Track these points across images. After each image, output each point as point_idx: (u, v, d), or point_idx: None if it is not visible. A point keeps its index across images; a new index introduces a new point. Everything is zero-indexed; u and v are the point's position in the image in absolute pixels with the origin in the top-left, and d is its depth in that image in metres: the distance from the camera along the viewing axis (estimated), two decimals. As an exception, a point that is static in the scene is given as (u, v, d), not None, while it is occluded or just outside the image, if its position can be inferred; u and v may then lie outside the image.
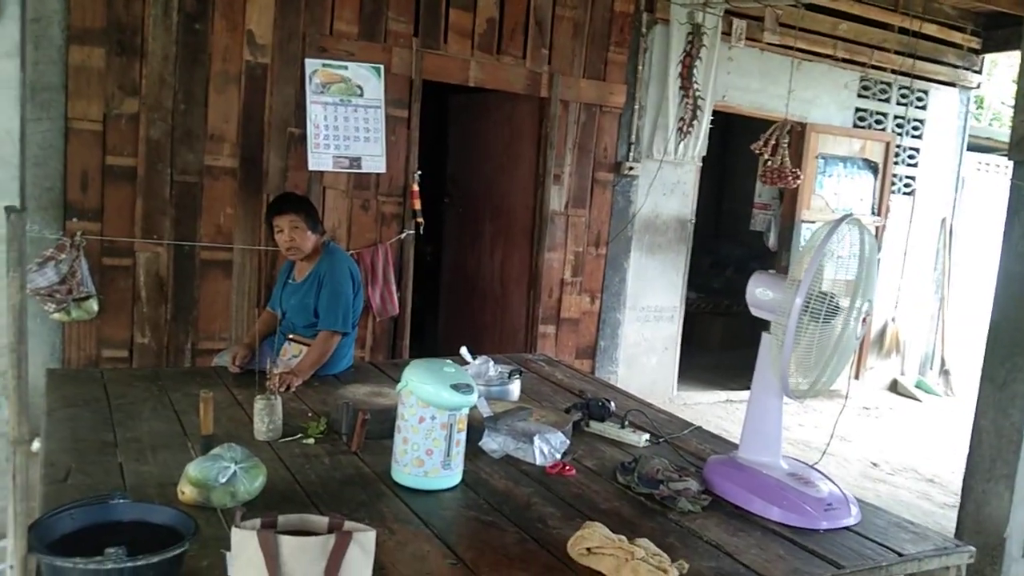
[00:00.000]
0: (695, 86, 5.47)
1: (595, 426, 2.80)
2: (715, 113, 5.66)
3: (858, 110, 6.39)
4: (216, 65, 4.16)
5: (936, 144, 6.86)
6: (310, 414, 2.67)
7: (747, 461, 2.33)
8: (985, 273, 6.27)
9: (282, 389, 2.81)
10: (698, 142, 5.61)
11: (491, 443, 2.48)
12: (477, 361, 3.13)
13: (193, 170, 4.18)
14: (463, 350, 3.20)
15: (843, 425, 5.78)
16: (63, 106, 3.86)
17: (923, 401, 6.90)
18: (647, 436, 2.73)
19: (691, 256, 5.93)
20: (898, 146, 6.62)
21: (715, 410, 5.96)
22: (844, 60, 6.11)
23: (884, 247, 6.61)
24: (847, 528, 2.13)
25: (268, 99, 4.30)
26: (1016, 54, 3.65)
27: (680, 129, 5.52)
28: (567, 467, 2.40)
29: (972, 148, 7.41)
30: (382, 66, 4.51)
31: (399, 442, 2.18)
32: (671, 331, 5.91)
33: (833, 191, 6.41)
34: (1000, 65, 11.46)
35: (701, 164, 5.77)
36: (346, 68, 4.42)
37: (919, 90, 6.60)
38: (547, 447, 2.45)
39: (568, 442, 2.56)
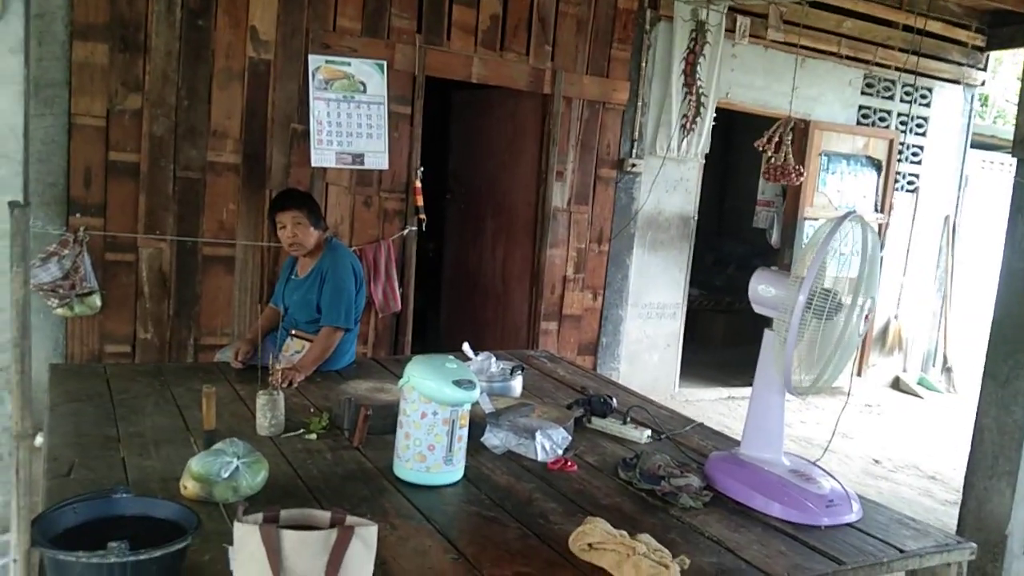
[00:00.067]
0: (699, 83, 5.46)
1: (597, 422, 2.80)
2: (718, 110, 5.65)
3: (862, 107, 6.38)
4: (219, 61, 4.16)
5: (940, 142, 6.84)
6: (312, 409, 2.68)
7: (749, 457, 2.33)
8: (988, 271, 6.27)
9: (284, 385, 2.81)
10: (701, 139, 5.60)
11: (493, 439, 2.48)
12: (479, 357, 3.13)
13: (196, 166, 4.18)
14: (465, 346, 3.20)
15: (845, 422, 5.78)
16: (66, 102, 3.87)
17: (925, 398, 6.90)
18: (649, 432, 2.73)
19: (693, 253, 5.93)
20: (902, 143, 6.61)
21: (717, 407, 5.96)
22: (848, 57, 6.10)
23: (887, 244, 6.60)
24: (848, 524, 2.13)
25: (271, 95, 4.30)
26: (1021, 52, 3.64)
27: (683, 126, 5.52)
28: (569, 463, 2.40)
29: (976, 146, 7.39)
30: (385, 62, 4.51)
31: (401, 437, 2.18)
32: (673, 328, 5.91)
33: (836, 188, 6.40)
34: (1005, 63, 11.43)
35: (704, 161, 5.76)
36: (349, 64, 4.42)
37: (923, 87, 6.59)
38: (549, 443, 2.45)
39: (570, 438, 2.56)
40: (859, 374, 6.77)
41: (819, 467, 2.33)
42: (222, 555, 1.53)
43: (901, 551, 2.01)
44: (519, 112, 5.38)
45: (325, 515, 1.54)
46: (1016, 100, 3.31)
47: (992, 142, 8.01)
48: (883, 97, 6.45)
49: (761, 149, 5.84)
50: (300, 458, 2.28)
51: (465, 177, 6.10)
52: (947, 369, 7.27)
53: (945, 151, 6.90)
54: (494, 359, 3.13)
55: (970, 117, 7.03)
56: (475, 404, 2.29)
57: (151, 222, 4.12)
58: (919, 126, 6.70)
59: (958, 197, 7.13)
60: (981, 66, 6.78)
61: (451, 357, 2.29)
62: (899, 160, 6.61)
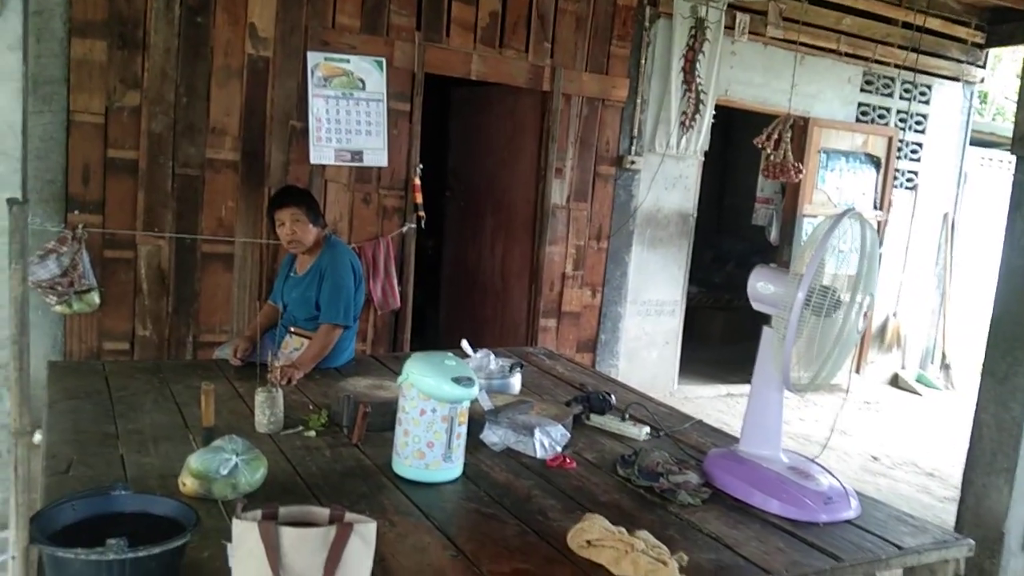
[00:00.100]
0: (698, 80, 5.46)
1: (596, 419, 2.80)
2: (718, 107, 5.65)
3: (861, 104, 6.37)
4: (218, 58, 4.16)
5: (939, 139, 6.84)
6: (311, 407, 2.68)
7: (747, 454, 2.33)
8: (987, 268, 6.28)
9: (283, 382, 2.81)
10: (700, 136, 5.60)
11: (492, 436, 2.49)
12: (478, 354, 3.13)
13: (195, 163, 4.18)
14: (464, 343, 3.20)
15: (844, 419, 5.79)
16: (65, 99, 3.87)
17: (924, 395, 6.91)
18: (647, 429, 2.73)
19: (692, 250, 5.93)
20: (901, 141, 6.61)
21: (716, 404, 5.96)
22: (847, 55, 6.09)
23: (886, 242, 6.60)
24: (847, 521, 2.13)
25: (270, 92, 4.30)
26: (1020, 49, 3.64)
27: (682, 123, 5.52)
28: (567, 460, 2.40)
29: (975, 143, 7.39)
30: (384, 59, 4.51)
31: (400, 434, 2.18)
32: (672, 325, 5.91)
33: (835, 186, 6.40)
34: (1004, 60, 11.42)
35: (703, 158, 5.76)
36: (348, 61, 4.42)
37: (922, 85, 6.59)
38: (548, 440, 2.46)
39: (568, 435, 2.56)
40: (858, 371, 6.78)
41: (818, 464, 2.33)
42: (221, 552, 1.54)
43: (899, 548, 2.01)
44: (518, 109, 5.37)
45: (324, 512, 1.54)
46: (1015, 97, 3.31)
47: (991, 139, 8.01)
48: (882, 94, 6.45)
49: (760, 146, 5.84)
50: (299, 455, 2.28)
51: (464, 174, 6.10)
52: (946, 366, 7.28)
53: (944, 148, 6.91)
54: (493, 356, 3.14)
55: (969, 114, 7.03)
56: (474, 401, 2.29)
57: (150, 219, 4.12)
58: (918, 123, 6.70)
59: (957, 194, 7.13)
60: (980, 63, 6.78)
61: (450, 354, 2.29)
62: (898, 157, 6.62)
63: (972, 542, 2.14)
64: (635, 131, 5.42)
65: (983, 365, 3.26)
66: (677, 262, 5.84)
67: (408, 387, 2.16)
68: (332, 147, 4.43)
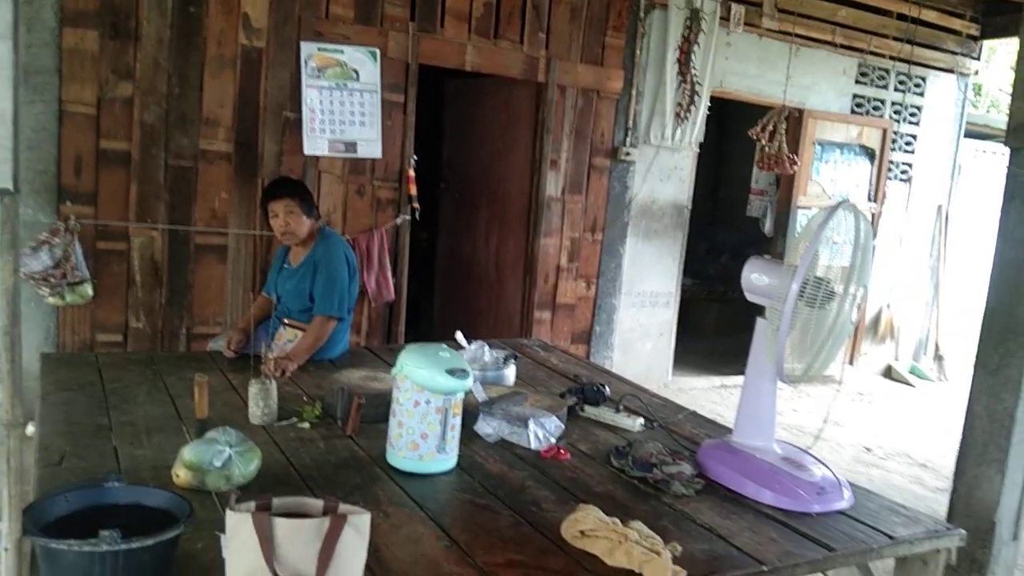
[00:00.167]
0: (693, 71, 5.45)
1: (590, 411, 2.80)
2: (712, 99, 5.64)
3: (856, 96, 6.37)
4: (211, 49, 4.14)
5: (933, 131, 6.85)
6: (305, 398, 2.67)
7: (741, 445, 2.33)
8: (980, 260, 6.30)
9: (277, 373, 2.81)
10: (695, 128, 5.59)
11: (486, 427, 2.49)
12: (472, 346, 3.13)
13: (188, 154, 4.16)
14: (458, 335, 3.20)
15: (837, 410, 5.81)
16: (57, 89, 3.85)
17: (916, 386, 6.94)
18: (641, 420, 2.74)
19: (687, 242, 5.94)
20: (895, 132, 6.61)
21: (709, 395, 5.98)
22: (842, 46, 6.09)
23: (880, 233, 6.61)
24: (839, 511, 2.14)
25: (263, 83, 4.28)
26: (1015, 41, 3.64)
27: (677, 115, 5.51)
28: (561, 451, 2.41)
29: (969, 135, 7.41)
30: (378, 50, 4.49)
31: (394, 426, 2.18)
32: (666, 317, 5.92)
33: (830, 177, 6.40)
34: (998, 52, 11.44)
35: (698, 150, 5.76)
36: (342, 52, 4.40)
37: (917, 76, 6.59)
38: (542, 431, 2.46)
39: (563, 426, 2.57)
40: (851, 363, 6.80)
41: (811, 455, 2.34)
42: (215, 543, 1.53)
43: (891, 538, 2.02)
44: (513, 100, 5.36)
45: (318, 503, 1.54)
46: (1010, 89, 3.31)
47: (985, 131, 8.03)
48: (877, 86, 6.45)
49: (755, 138, 5.83)
50: (293, 447, 2.28)
51: (459, 166, 6.09)
52: (938, 357, 7.31)
53: (938, 140, 6.91)
54: (487, 348, 3.14)
55: (963, 106, 7.04)
56: (468, 393, 2.29)
57: (143, 211, 4.10)
58: (913, 115, 6.71)
59: (951, 186, 7.15)
60: (975, 55, 6.79)
61: (444, 346, 2.28)
62: (892, 149, 6.62)
63: (964, 532, 2.15)
64: (630, 122, 5.41)
65: (975, 356, 3.27)
66: (672, 254, 5.84)
67: (402, 379, 2.16)
68: (326, 138, 4.41)
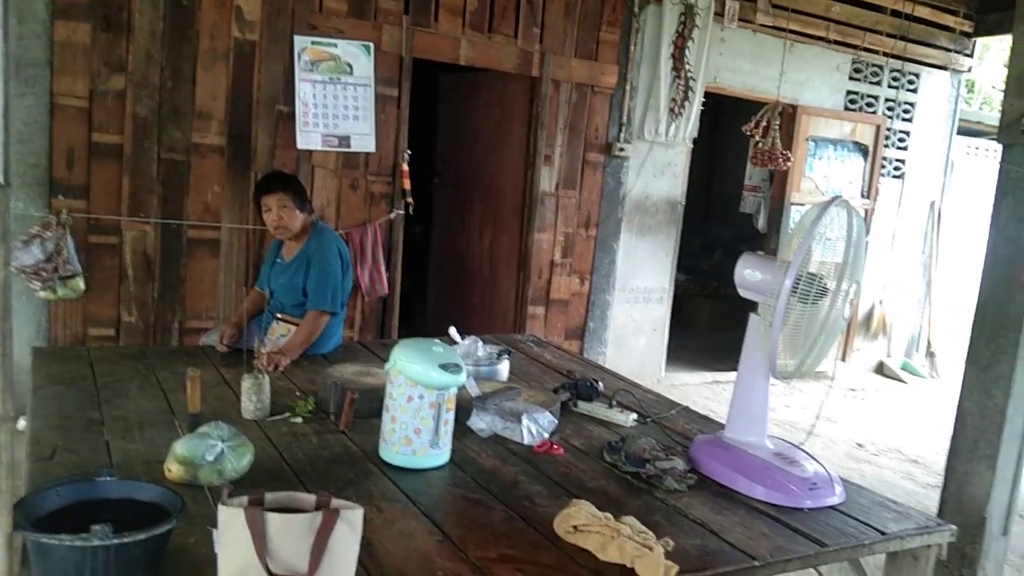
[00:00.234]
0: (687, 67, 5.45)
1: (583, 406, 2.81)
2: (706, 94, 5.64)
3: (849, 93, 6.39)
4: (204, 42, 4.12)
5: (926, 127, 6.87)
6: (298, 393, 2.67)
7: (733, 441, 2.34)
8: (972, 256, 6.32)
9: (270, 368, 2.81)
10: (689, 123, 5.60)
11: (479, 422, 2.49)
12: (466, 341, 3.13)
13: (180, 148, 4.15)
14: (452, 330, 3.20)
15: (829, 406, 5.83)
16: (48, 82, 3.83)
17: (909, 383, 6.96)
18: (634, 416, 2.74)
19: (681, 238, 5.94)
20: (888, 129, 6.63)
21: (702, 391, 5.99)
22: (836, 42, 6.10)
23: (872, 230, 6.63)
24: (831, 507, 2.15)
25: (256, 76, 4.27)
26: (1008, 38, 3.64)
27: (671, 110, 5.51)
28: (554, 446, 2.41)
29: (962, 132, 7.43)
30: (372, 44, 4.48)
31: (387, 421, 2.18)
32: (660, 312, 5.92)
33: (823, 174, 6.42)
34: (992, 49, 11.47)
35: (692, 146, 5.76)
36: (335, 46, 4.39)
37: (910, 73, 6.60)
38: (535, 426, 2.46)
39: (556, 422, 2.57)
40: (843, 359, 6.82)
41: (803, 450, 2.34)
42: (207, 538, 1.53)
43: (883, 533, 2.03)
44: (507, 95, 5.35)
45: (310, 498, 1.54)
46: (1002, 87, 3.32)
47: (978, 128, 8.05)
48: (870, 82, 6.46)
49: (749, 134, 5.85)
50: (286, 441, 2.27)
51: (453, 161, 6.08)
52: (930, 354, 7.34)
53: (931, 137, 6.93)
54: (481, 343, 3.13)
55: (956, 103, 7.06)
56: (461, 388, 2.29)
57: (135, 204, 4.08)
58: (906, 112, 6.72)
59: (943, 183, 7.17)
60: (968, 52, 6.81)
61: (438, 341, 2.28)
62: (886, 146, 6.64)
63: (954, 527, 2.16)
64: (624, 118, 5.41)
65: (967, 353, 3.29)
66: (665, 249, 5.85)
67: (395, 374, 2.16)
68: (319, 132, 4.40)
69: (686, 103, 5.52)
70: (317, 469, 2.10)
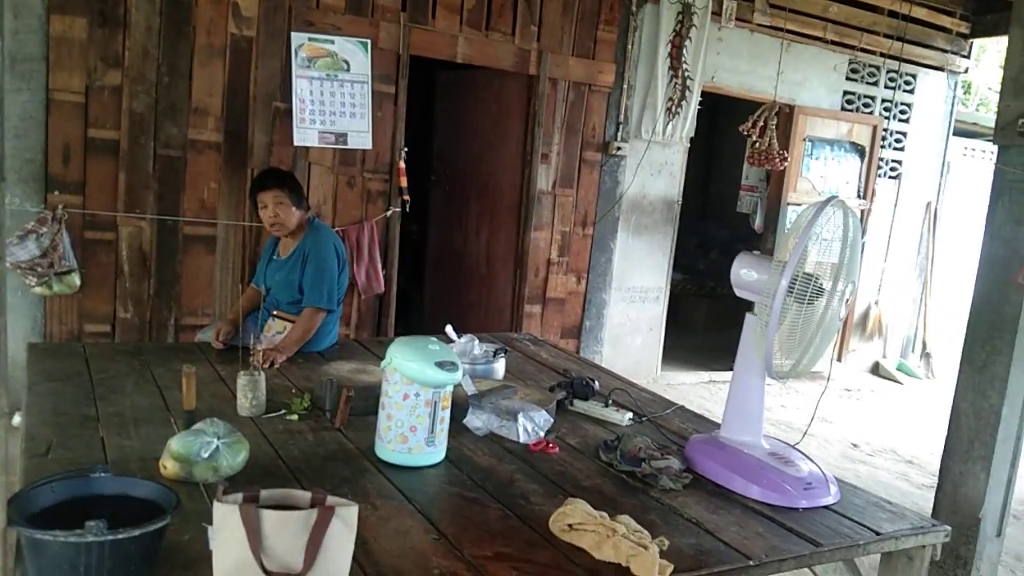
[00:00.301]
0: (684, 66, 5.45)
1: (579, 405, 2.81)
2: (703, 94, 5.64)
3: (846, 93, 6.39)
4: (200, 38, 4.11)
5: (923, 128, 6.88)
6: (294, 390, 2.67)
7: (729, 440, 2.34)
8: (968, 257, 6.33)
9: (266, 365, 2.81)
10: (686, 123, 5.60)
11: (475, 421, 2.49)
12: (462, 339, 3.13)
13: (177, 144, 4.14)
14: (448, 328, 3.20)
15: (825, 406, 5.84)
16: (44, 77, 3.81)
17: (904, 383, 6.98)
18: (630, 415, 2.74)
19: (677, 237, 5.95)
20: (885, 130, 6.64)
21: (698, 390, 6.00)
22: (834, 43, 6.11)
23: (869, 230, 6.64)
24: (826, 507, 2.15)
25: (253, 73, 4.26)
26: (1004, 39, 3.65)
27: (669, 109, 5.51)
28: (550, 445, 2.41)
29: (958, 133, 7.44)
30: (369, 41, 4.47)
31: (383, 419, 2.18)
32: (656, 312, 5.93)
33: (820, 174, 6.42)
34: (988, 51, 11.49)
35: (689, 145, 5.77)
36: (333, 43, 4.38)
37: (907, 74, 6.61)
38: (531, 425, 2.46)
39: (552, 420, 2.57)
40: (839, 359, 6.83)
41: (798, 450, 2.35)
42: (202, 535, 1.53)
43: (877, 533, 2.04)
44: (504, 93, 5.35)
45: (305, 495, 1.54)
46: (999, 87, 3.33)
47: (974, 129, 8.07)
48: (867, 83, 6.47)
49: (746, 133, 5.85)
50: (281, 439, 2.27)
51: (450, 158, 6.07)
52: (926, 355, 7.36)
53: (928, 138, 6.94)
54: (477, 341, 3.14)
55: (953, 104, 7.07)
56: (458, 386, 2.29)
57: (131, 200, 4.07)
58: (902, 112, 6.73)
59: (940, 184, 7.18)
60: (965, 53, 6.82)
61: (434, 339, 2.28)
62: (882, 146, 6.65)
63: (949, 528, 2.16)
64: (621, 117, 5.41)
65: (962, 354, 3.30)
66: (662, 249, 5.85)
67: (391, 371, 2.16)
68: (316, 129, 4.39)
69: (683, 102, 5.53)
70: (312, 466, 2.10)
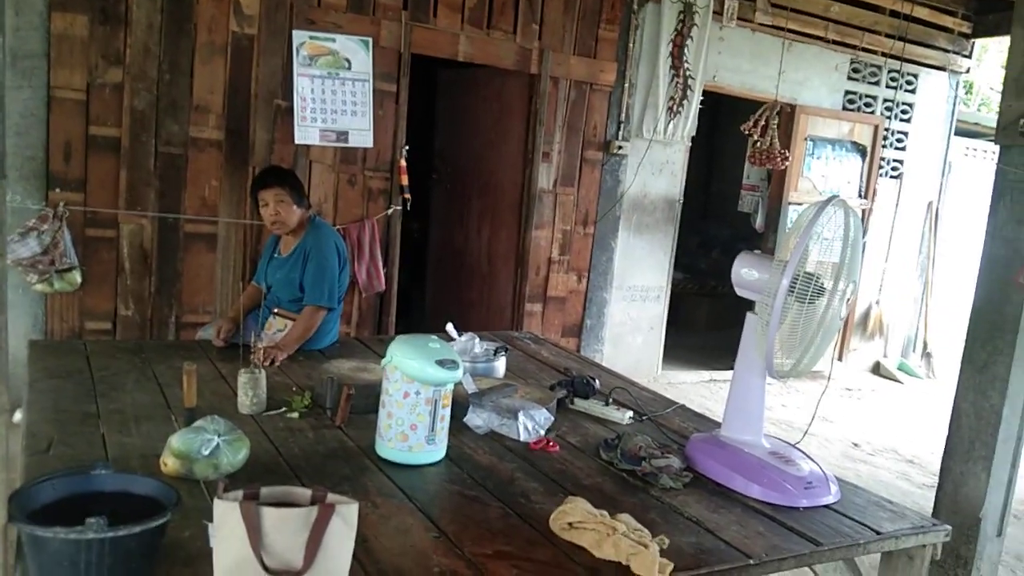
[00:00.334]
0: (686, 65, 5.45)
1: (579, 403, 2.81)
2: (705, 93, 5.64)
3: (848, 93, 6.39)
4: (202, 35, 4.10)
5: (924, 128, 6.88)
6: (294, 388, 2.67)
7: (729, 439, 2.34)
8: (969, 257, 6.33)
9: (266, 363, 2.80)
10: (688, 122, 5.59)
11: (476, 419, 2.49)
12: (463, 338, 3.13)
13: (178, 141, 4.14)
14: (449, 326, 3.20)
15: (826, 406, 5.84)
16: (45, 74, 3.81)
17: (905, 383, 6.98)
18: (631, 414, 2.74)
19: (678, 236, 5.94)
20: (886, 129, 6.63)
21: (699, 390, 6.00)
22: (835, 42, 6.10)
23: (870, 230, 6.64)
24: (826, 506, 2.15)
25: (255, 71, 4.25)
26: (1006, 39, 3.65)
27: (670, 108, 5.51)
28: (551, 443, 2.41)
29: (960, 133, 7.43)
30: (370, 39, 4.47)
31: (383, 417, 2.18)
32: (657, 311, 5.93)
33: (821, 173, 6.42)
34: (990, 51, 11.48)
35: (690, 144, 5.76)
36: (334, 41, 4.38)
37: (909, 74, 6.61)
38: (531, 423, 2.46)
39: (552, 419, 2.57)
40: (840, 359, 6.83)
41: (799, 450, 2.35)
42: (202, 532, 1.53)
43: (878, 533, 2.04)
44: (505, 92, 5.35)
45: (306, 493, 1.54)
46: (1000, 87, 3.33)
47: (976, 129, 8.06)
48: (869, 82, 6.47)
49: (747, 133, 5.84)
50: (282, 436, 2.27)
51: (451, 157, 6.07)
52: (927, 355, 7.35)
53: (929, 138, 6.94)
54: (478, 340, 3.14)
55: (954, 104, 7.06)
56: (458, 384, 2.29)
57: (132, 198, 4.07)
58: (904, 112, 6.73)
59: (941, 184, 7.18)
60: (966, 53, 6.81)
61: (434, 337, 2.28)
62: (883, 146, 6.64)
63: (949, 528, 2.16)
64: (623, 116, 5.41)
65: (963, 354, 3.29)
66: (663, 248, 5.85)
67: (392, 369, 2.16)
68: (317, 127, 4.39)
69: (684, 101, 5.52)
70: (313, 464, 2.10)
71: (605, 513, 1.83)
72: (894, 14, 6.13)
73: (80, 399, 2.40)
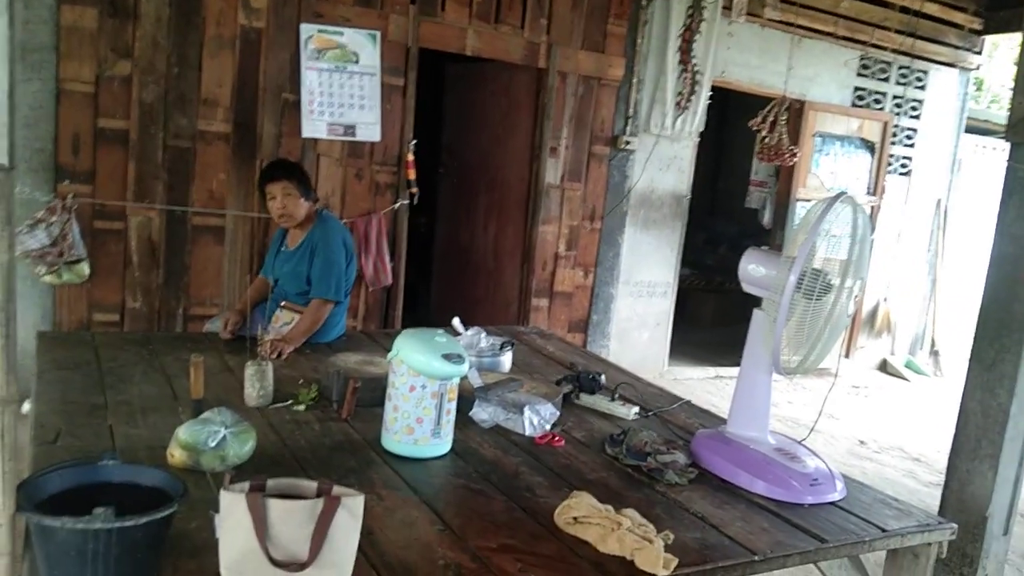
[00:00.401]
0: (694, 61, 5.43)
1: (585, 399, 2.81)
2: (713, 89, 5.62)
3: (857, 89, 6.36)
4: (210, 28, 4.11)
5: (934, 125, 6.84)
6: (301, 381, 2.67)
7: (735, 436, 2.34)
8: (978, 255, 6.30)
9: (273, 356, 2.81)
10: (696, 117, 5.58)
11: (481, 413, 2.49)
12: (469, 332, 3.13)
13: (186, 134, 4.15)
14: (455, 321, 3.20)
15: (832, 403, 5.82)
16: (54, 67, 3.82)
17: (912, 381, 6.95)
18: (636, 409, 2.74)
19: (685, 232, 5.93)
20: (896, 126, 6.60)
21: (705, 386, 5.99)
22: (845, 38, 6.07)
23: (878, 227, 6.61)
24: (832, 503, 2.15)
25: (263, 64, 4.26)
26: (1017, 36, 3.62)
27: (678, 104, 5.49)
28: (556, 438, 2.41)
29: (970, 130, 7.39)
30: (378, 33, 4.46)
31: (389, 410, 2.19)
32: (664, 307, 5.92)
33: (829, 170, 6.40)
34: (1001, 47, 11.40)
35: (698, 140, 5.75)
36: (342, 34, 4.38)
37: (919, 70, 6.57)
38: (537, 418, 2.46)
39: (558, 413, 2.57)
40: (847, 356, 6.81)
41: (804, 446, 2.34)
42: (208, 523, 1.54)
43: (883, 530, 2.03)
44: (513, 86, 5.34)
45: (312, 485, 1.54)
46: (1011, 84, 3.30)
47: (986, 126, 8.02)
48: (878, 79, 6.43)
49: (755, 129, 5.83)
50: (288, 429, 2.28)
51: (458, 151, 6.06)
52: (934, 352, 7.33)
53: (939, 135, 6.90)
54: (484, 334, 3.13)
55: (964, 101, 7.02)
56: (464, 378, 2.29)
57: (140, 190, 4.08)
58: (913, 109, 6.69)
59: (950, 181, 7.14)
60: (977, 50, 6.77)
61: (441, 331, 2.28)
62: (893, 143, 6.61)
63: (955, 526, 2.16)
64: (630, 111, 5.39)
65: (970, 352, 3.28)
66: (670, 244, 5.84)
67: (398, 363, 2.16)
68: (325, 121, 4.39)
69: (693, 97, 5.51)
70: (319, 457, 2.11)
71: (610, 508, 1.83)
72: (904, 10, 6.09)
73: (88, 390, 2.41)
